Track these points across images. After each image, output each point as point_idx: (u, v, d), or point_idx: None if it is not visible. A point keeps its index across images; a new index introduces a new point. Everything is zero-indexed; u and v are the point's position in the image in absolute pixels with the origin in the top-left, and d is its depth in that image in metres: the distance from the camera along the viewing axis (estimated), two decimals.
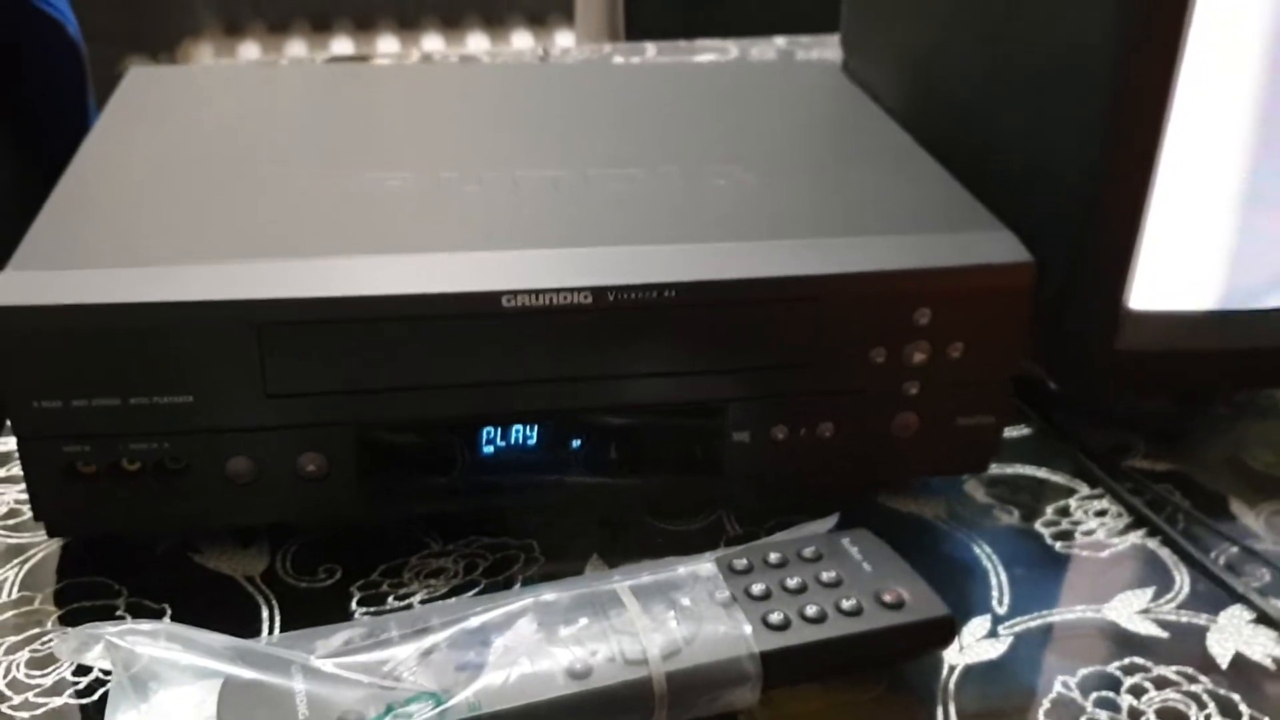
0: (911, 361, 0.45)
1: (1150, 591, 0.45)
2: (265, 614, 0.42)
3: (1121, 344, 0.50)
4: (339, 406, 0.43)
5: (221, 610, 0.42)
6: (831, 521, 0.44)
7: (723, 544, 0.46)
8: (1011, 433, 0.54)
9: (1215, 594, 0.45)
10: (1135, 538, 0.48)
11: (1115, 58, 0.45)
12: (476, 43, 1.87)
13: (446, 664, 0.36)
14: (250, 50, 1.82)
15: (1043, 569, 0.46)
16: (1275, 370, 0.52)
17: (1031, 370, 0.52)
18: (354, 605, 0.43)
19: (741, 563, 0.41)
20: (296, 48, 1.84)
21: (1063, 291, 0.49)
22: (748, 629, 0.38)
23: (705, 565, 0.40)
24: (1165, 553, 0.47)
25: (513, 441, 0.45)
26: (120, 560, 0.44)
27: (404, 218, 0.46)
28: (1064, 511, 0.49)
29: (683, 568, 0.40)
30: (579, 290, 0.42)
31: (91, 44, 1.88)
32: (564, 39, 1.84)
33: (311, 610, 0.42)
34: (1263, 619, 0.44)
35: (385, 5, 1.93)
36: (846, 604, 0.39)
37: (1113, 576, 0.46)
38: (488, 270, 0.42)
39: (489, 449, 0.45)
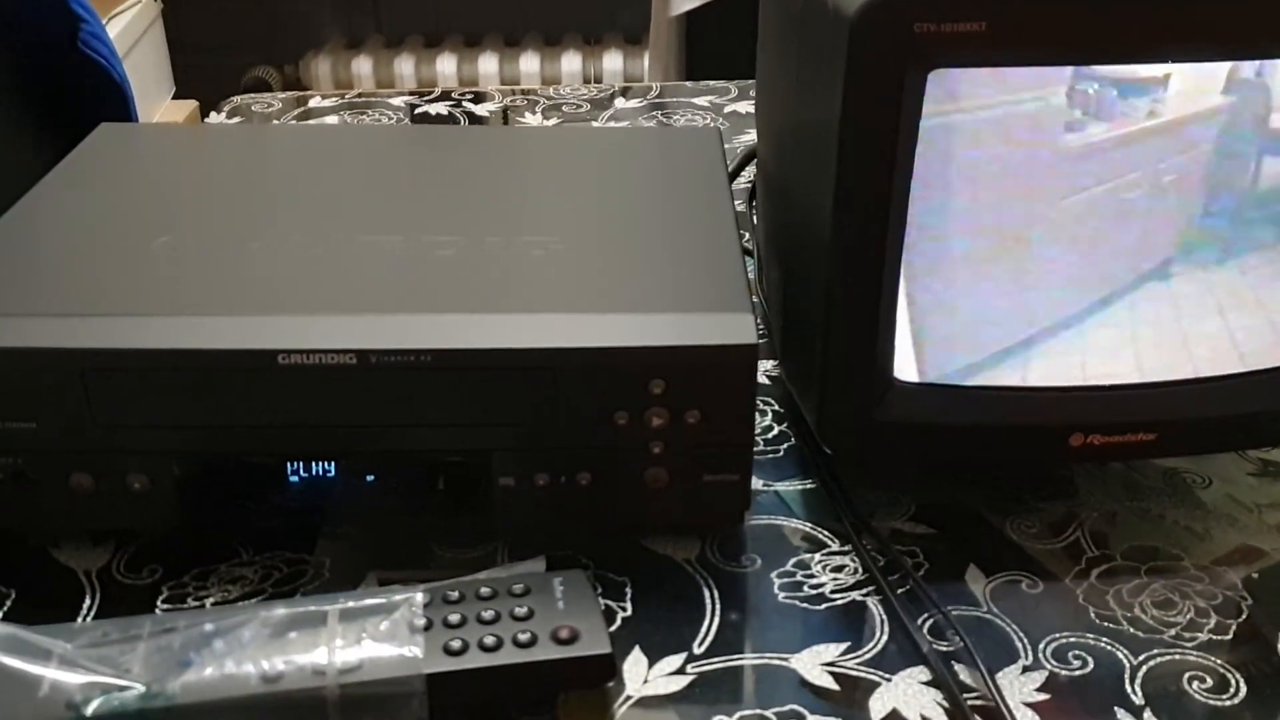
0: (652, 424, 0.51)
1: (844, 646, 0.50)
2: (87, 603, 0.52)
3: (880, 414, 0.55)
4: (156, 438, 0.52)
5: (56, 597, 0.52)
6: (541, 563, 0.50)
7: (486, 571, 0.53)
8: (798, 485, 0.59)
9: (906, 654, 0.49)
10: (858, 594, 0.52)
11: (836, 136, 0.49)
12: (570, 63, 1.96)
13: (168, 660, 0.44)
14: (364, 65, 1.96)
15: (758, 616, 0.51)
16: (1028, 447, 0.56)
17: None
18: (159, 603, 0.52)
19: (454, 594, 0.48)
20: (406, 64, 1.97)
21: (826, 361, 0.54)
22: (418, 652, 0.45)
23: (417, 595, 0.47)
24: (880, 611, 0.51)
25: (312, 473, 0.53)
26: None
27: (225, 280, 0.54)
28: (805, 564, 0.54)
29: (399, 595, 0.48)
30: (344, 351, 0.50)
31: (222, 54, 2.05)
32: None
33: (125, 604, 0.51)
34: (936, 681, 0.48)
35: (491, 25, 2.04)
36: (522, 636, 0.46)
37: (817, 629, 0.50)
38: (271, 330, 0.50)
39: (294, 479, 0.53)
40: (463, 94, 1.09)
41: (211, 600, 0.52)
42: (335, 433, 0.52)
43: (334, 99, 1.08)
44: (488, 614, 0.47)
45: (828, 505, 0.58)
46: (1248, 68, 0.49)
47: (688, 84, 1.12)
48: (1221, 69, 0.49)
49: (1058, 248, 0.52)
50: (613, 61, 1.94)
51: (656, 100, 1.08)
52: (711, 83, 1.11)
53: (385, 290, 0.54)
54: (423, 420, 0.52)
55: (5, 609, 0.51)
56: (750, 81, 1.10)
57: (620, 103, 1.07)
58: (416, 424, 0.52)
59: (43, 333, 0.50)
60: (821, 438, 0.56)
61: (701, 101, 1.07)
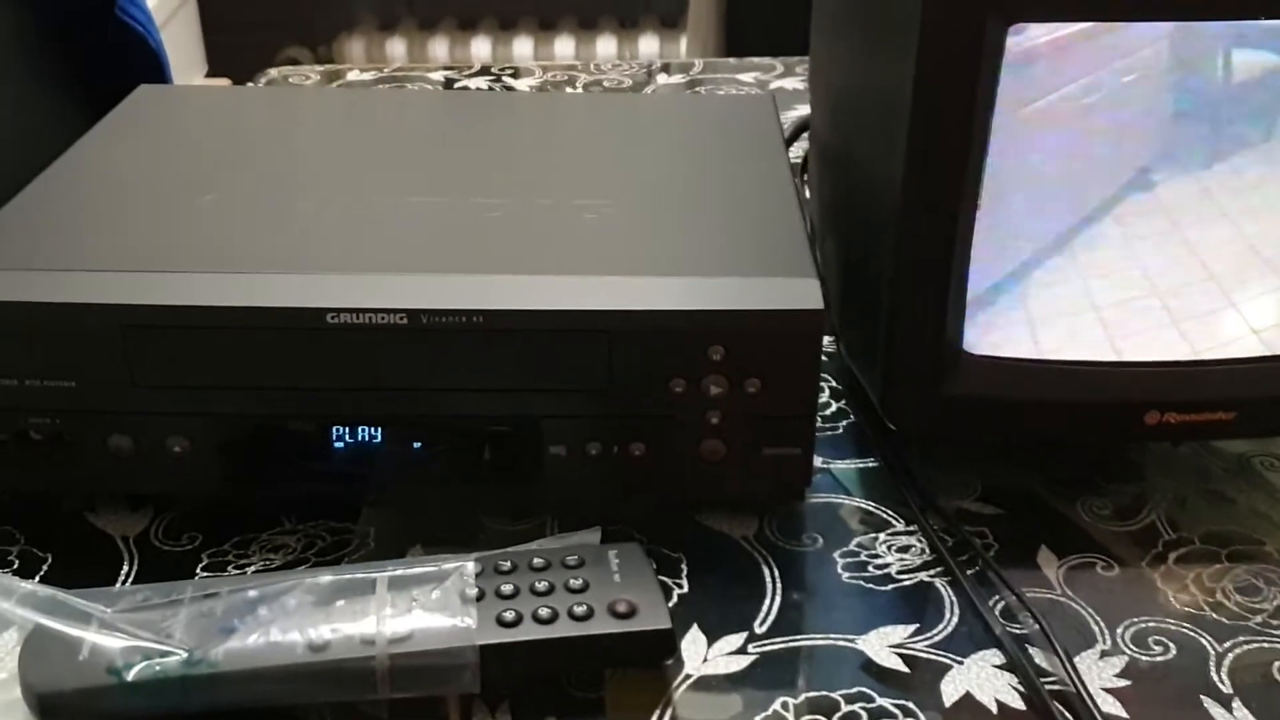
0: (710, 393, 0.49)
1: (912, 628, 0.47)
2: (125, 569, 0.50)
3: (948, 389, 0.52)
4: (197, 399, 0.50)
5: (93, 563, 0.50)
6: (596, 534, 0.48)
7: (535, 544, 0.51)
8: (856, 463, 0.57)
9: (978, 636, 0.47)
10: (925, 575, 0.50)
11: (911, 98, 0.47)
12: (606, 46, 1.94)
13: (210, 627, 0.43)
14: (397, 47, 1.95)
15: (821, 596, 0.49)
16: (1101, 425, 0.53)
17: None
18: (198, 570, 0.50)
19: (506, 564, 0.46)
20: (440, 47, 1.95)
21: (892, 331, 0.52)
22: (471, 623, 0.43)
23: (469, 563, 0.46)
24: (948, 593, 0.49)
25: (358, 439, 0.51)
26: (28, 515, 0.53)
27: (272, 238, 0.52)
28: (870, 544, 0.52)
29: (449, 564, 0.46)
30: (395, 311, 0.48)
31: (255, 32, 2.04)
32: (684, 44, 1.89)
33: (163, 571, 0.50)
34: (1010, 664, 0.46)
35: (525, 7, 2.02)
36: (579, 609, 0.44)
37: (883, 609, 0.48)
38: (319, 289, 0.48)
39: (338, 445, 0.51)
40: (501, 70, 1.07)
41: (253, 569, 0.50)
42: (382, 397, 0.50)
43: (372, 73, 1.06)
44: (541, 585, 0.45)
45: (887, 486, 0.55)
46: None
47: (730, 60, 1.10)
48: None
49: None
50: (648, 45, 1.92)
51: (699, 76, 1.06)
52: (755, 59, 1.09)
53: (434, 251, 0.52)
54: (472, 385, 0.50)
55: (42, 573, 0.50)
56: (796, 59, 1.08)
57: (662, 78, 1.05)
58: (466, 389, 0.50)
59: (83, 287, 0.48)
60: (886, 414, 0.54)
61: (746, 78, 1.05)
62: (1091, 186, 0.49)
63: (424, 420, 0.51)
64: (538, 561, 0.46)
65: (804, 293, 0.49)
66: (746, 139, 0.64)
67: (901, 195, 0.49)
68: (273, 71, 1.06)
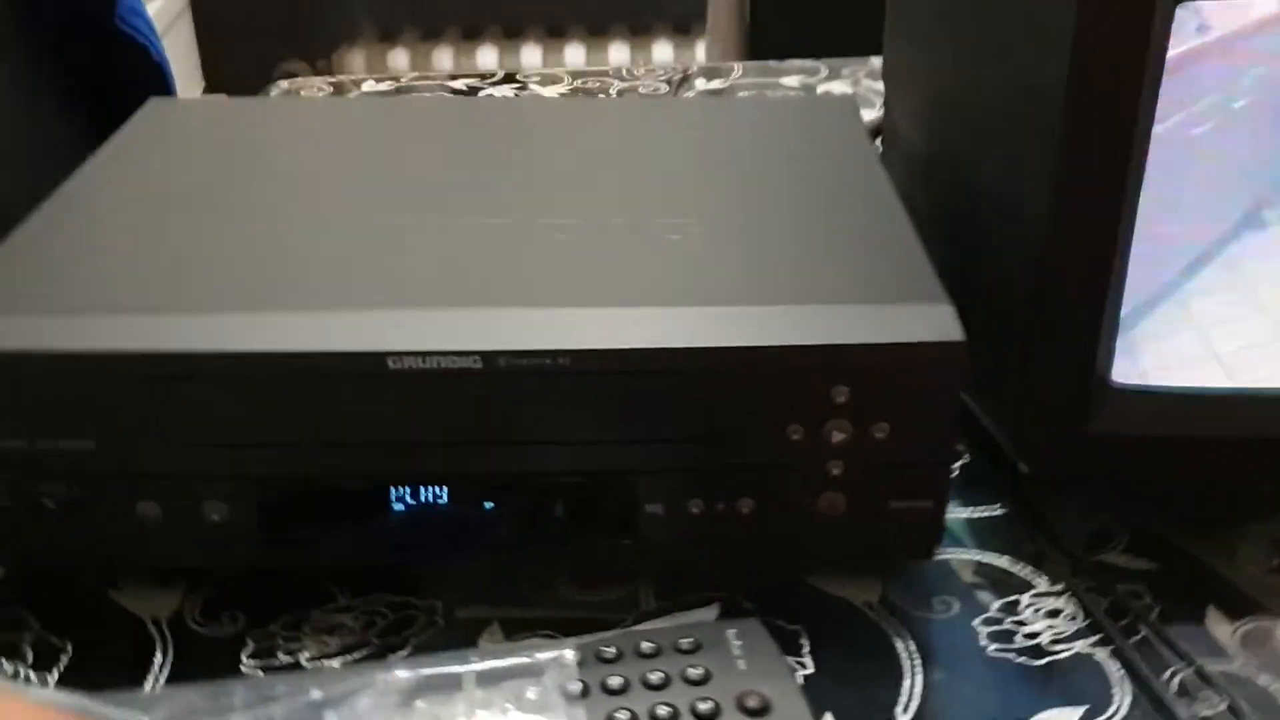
0: (832, 440, 0.43)
1: (1080, 711, 0.41)
2: (158, 659, 0.43)
3: (1097, 426, 0.46)
4: (237, 458, 0.43)
5: (120, 652, 0.43)
6: (713, 612, 0.42)
7: (630, 620, 0.44)
8: (981, 511, 0.50)
9: None
10: (1083, 645, 0.43)
11: (1064, 98, 0.41)
12: (618, 53, 1.87)
13: None
14: (399, 58, 1.88)
15: (968, 675, 0.42)
16: (1273, 463, 0.47)
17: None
18: (244, 657, 0.43)
19: (610, 651, 0.39)
20: (445, 57, 1.89)
21: (1031, 361, 0.46)
22: None
23: (568, 652, 0.39)
24: (1113, 666, 0.42)
25: (420, 501, 0.44)
26: (41, 592, 0.46)
27: (316, 270, 0.46)
28: (1011, 608, 0.45)
29: (544, 654, 0.39)
30: (468, 354, 0.41)
31: (253, 44, 1.97)
32: (701, 50, 1.83)
33: (202, 660, 0.43)
34: None
35: (533, 14, 1.96)
36: (703, 705, 0.37)
37: (1041, 689, 0.42)
38: (377, 328, 0.42)
39: (398, 506, 0.44)
40: (527, 76, 1.00)
41: (306, 655, 0.43)
42: (450, 451, 0.43)
43: (389, 83, 0.99)
44: (655, 676, 0.38)
45: (1006, 536, 0.49)
46: None
47: (770, 63, 1.03)
48: None
49: None
50: (662, 51, 1.86)
51: (739, 81, 0.99)
52: (797, 61, 1.02)
53: (501, 281, 0.45)
54: (555, 436, 0.43)
55: (61, 668, 0.43)
56: (841, 60, 1.01)
57: (701, 83, 0.99)
58: (548, 441, 0.43)
59: (101, 333, 0.42)
60: (1019, 454, 0.47)
61: (790, 81, 0.98)
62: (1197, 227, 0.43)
63: (497, 478, 0.44)
64: (647, 647, 0.39)
65: (940, 322, 0.42)
66: (833, 144, 0.57)
67: (1052, 208, 0.42)
68: (283, 84, 0.99)
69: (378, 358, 0.41)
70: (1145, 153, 0.41)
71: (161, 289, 0.44)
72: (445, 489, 0.44)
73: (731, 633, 0.40)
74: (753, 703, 0.37)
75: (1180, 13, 0.39)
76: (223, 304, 0.43)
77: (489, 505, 0.44)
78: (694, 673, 0.38)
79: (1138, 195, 0.42)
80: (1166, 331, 0.44)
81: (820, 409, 0.42)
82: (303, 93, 0.98)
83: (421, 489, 0.44)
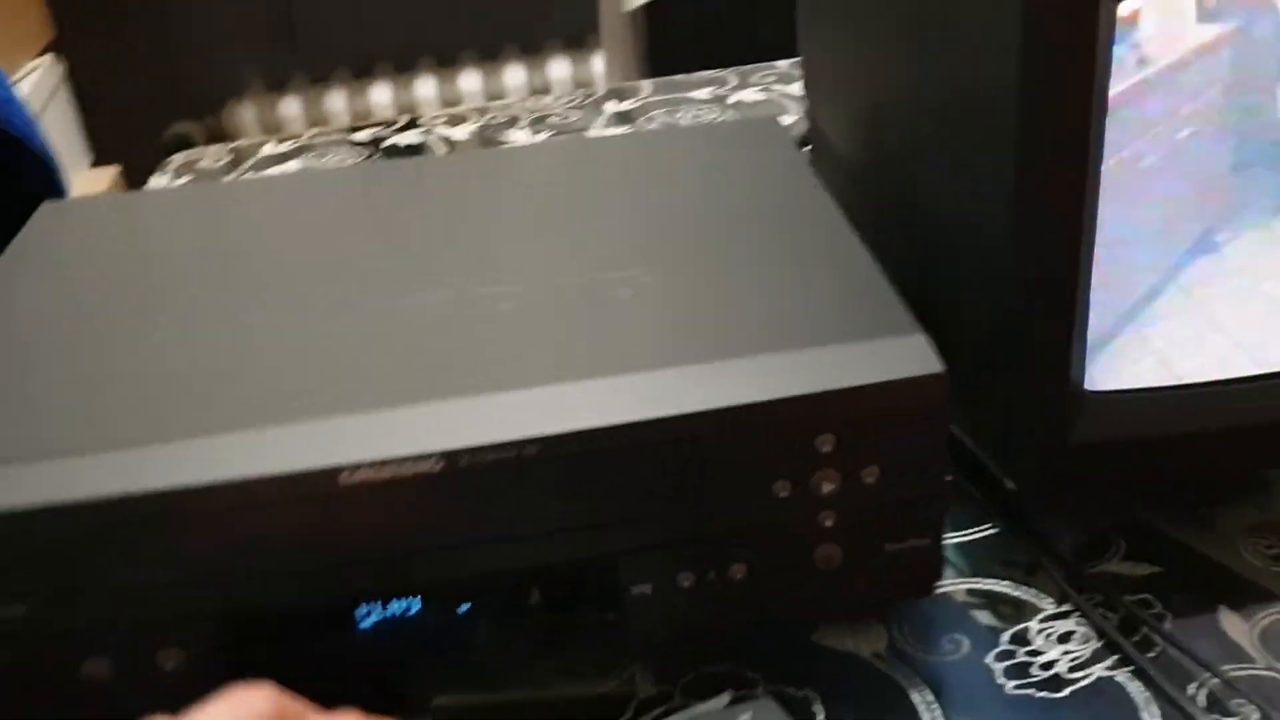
0: (822, 492, 0.40)
1: None
2: None
3: (1078, 435, 0.44)
4: (188, 599, 0.39)
5: None
6: (724, 700, 0.39)
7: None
8: (973, 534, 0.48)
9: None
10: (1102, 669, 0.42)
11: (1019, 104, 0.39)
12: (514, 76, 1.84)
13: None
14: (291, 107, 1.83)
15: (990, 717, 0.40)
16: (1263, 447, 0.46)
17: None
18: None
19: None
20: (338, 99, 1.84)
21: (1006, 376, 0.44)
22: None
23: None
24: (1136, 686, 0.41)
25: (390, 614, 0.41)
26: None
27: (245, 382, 0.42)
28: (1022, 637, 0.43)
29: None
30: (426, 457, 0.38)
31: (139, 108, 1.91)
32: (599, 64, 1.80)
33: None
34: None
35: (423, 46, 1.92)
36: None
37: None
38: (324, 441, 0.38)
39: (367, 623, 0.41)
40: (433, 120, 0.97)
41: None
42: (418, 560, 0.40)
43: (290, 143, 0.95)
44: None
45: (1006, 556, 0.47)
46: None
47: (679, 77, 1.01)
48: None
49: None
50: (559, 69, 1.83)
51: (650, 99, 0.97)
52: (705, 73, 1.00)
53: (451, 367, 0.42)
54: (529, 530, 0.40)
55: None
56: (752, 67, 1.00)
57: (612, 106, 0.96)
58: (522, 536, 0.40)
59: (20, 484, 0.38)
60: (1006, 472, 0.46)
61: (702, 94, 0.96)
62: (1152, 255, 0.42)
63: (471, 580, 0.41)
64: None
65: (917, 354, 0.40)
66: (771, 171, 0.55)
67: (1013, 217, 0.41)
68: (176, 158, 0.94)
69: (328, 475, 0.38)
70: (1100, 157, 0.40)
71: (76, 425, 0.41)
72: (416, 598, 0.41)
73: (746, 718, 0.37)
74: None
75: (1120, 50, 0.38)
76: (148, 435, 0.39)
77: (464, 608, 0.42)
78: None
79: (1095, 210, 0.40)
80: (1127, 361, 0.43)
81: (806, 461, 0.40)
82: (200, 164, 0.93)
83: (391, 602, 0.41)
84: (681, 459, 0.39)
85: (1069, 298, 0.42)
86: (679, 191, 0.54)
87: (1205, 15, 0.38)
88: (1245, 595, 0.44)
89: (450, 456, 0.38)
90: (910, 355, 0.40)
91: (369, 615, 0.41)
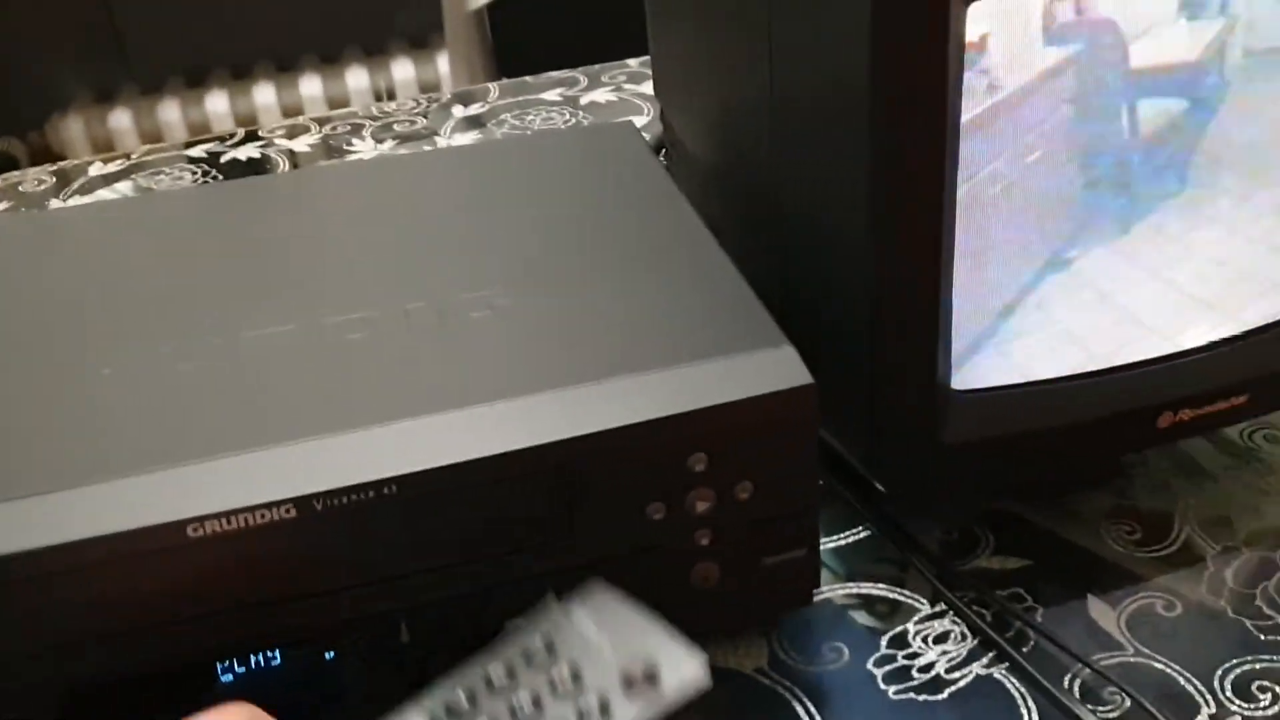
0: (696, 511, 0.40)
1: None
2: None
3: (946, 435, 0.44)
4: (29, 667, 0.37)
5: None
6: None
7: None
8: (846, 538, 0.48)
9: None
10: (979, 667, 0.42)
11: (870, 106, 0.39)
12: (356, 79, 1.79)
13: None
14: (121, 119, 1.75)
15: None
16: (1120, 435, 0.47)
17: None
18: None
19: (458, 698, 0.34)
20: (171, 110, 1.76)
21: (872, 379, 0.44)
22: None
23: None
24: (1013, 683, 0.41)
25: (252, 667, 0.39)
26: None
27: (80, 432, 0.39)
28: (901, 641, 0.43)
29: None
30: (278, 504, 0.36)
31: None
32: (444, 65, 1.77)
33: None
34: None
35: (260, 51, 1.85)
36: (589, 702, 0.33)
37: None
38: (168, 492, 0.36)
39: (227, 678, 0.39)
40: (271, 132, 0.93)
41: None
42: (277, 611, 0.38)
43: (118, 162, 0.90)
44: (523, 700, 0.33)
45: (878, 558, 0.47)
46: (1067, 10, 0.39)
47: (528, 79, 0.99)
48: (1035, 21, 0.39)
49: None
50: (402, 70, 1.78)
51: (498, 103, 0.95)
52: (555, 73, 0.99)
53: (300, 405, 0.40)
54: (395, 571, 0.38)
55: None
56: (601, 66, 0.98)
57: (459, 110, 0.94)
58: (387, 578, 0.38)
59: None
60: (875, 475, 0.46)
61: (552, 96, 0.95)
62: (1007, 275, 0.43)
63: (335, 627, 0.39)
64: (497, 675, 0.34)
65: (785, 367, 0.40)
66: (626, 179, 0.54)
67: (871, 226, 0.41)
68: None
69: (174, 528, 0.35)
70: (955, 158, 0.40)
71: None
72: (276, 650, 0.39)
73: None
74: (638, 672, 0.33)
75: (969, 76, 0.38)
76: None
77: (330, 655, 0.39)
78: (562, 675, 0.33)
79: (954, 195, 0.40)
80: (988, 373, 0.44)
81: (680, 481, 0.39)
82: (22, 186, 0.88)
83: (250, 656, 0.39)
84: (551, 488, 0.38)
85: (931, 303, 0.42)
86: (533, 203, 0.53)
87: (1051, 39, 0.39)
88: (1110, 581, 0.45)
89: (302, 503, 0.36)
90: (778, 368, 0.40)
91: (229, 670, 0.39)
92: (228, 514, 0.35)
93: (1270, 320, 0.46)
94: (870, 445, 0.45)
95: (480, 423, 0.38)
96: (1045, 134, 0.40)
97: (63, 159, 1.75)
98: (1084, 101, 0.40)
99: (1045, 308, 0.43)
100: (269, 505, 0.36)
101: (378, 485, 0.36)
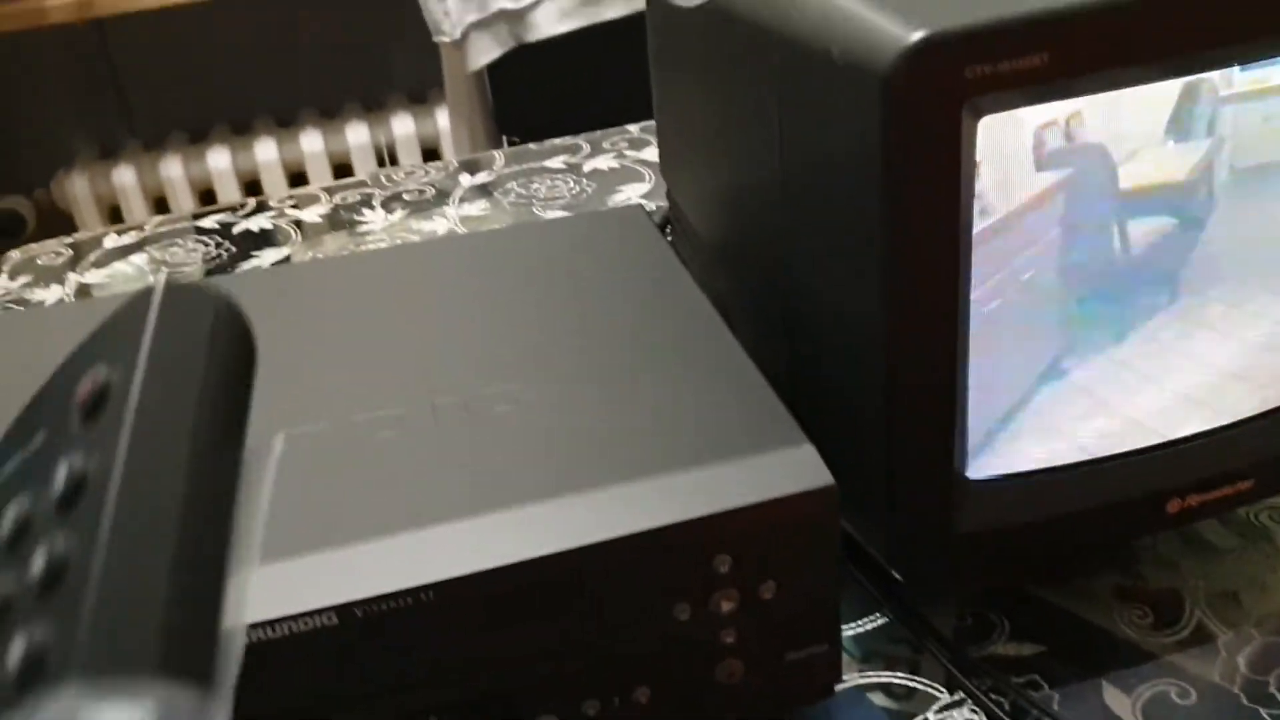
0: (721, 611, 0.41)
1: None
2: None
3: (962, 523, 0.46)
4: None
5: None
6: None
7: None
8: (864, 625, 0.49)
9: None
10: None
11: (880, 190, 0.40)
12: (356, 134, 1.81)
13: None
14: (125, 175, 1.76)
15: None
16: (1124, 526, 0.48)
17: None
18: None
19: None
20: (174, 166, 1.78)
21: (887, 469, 0.45)
22: None
23: None
24: None
25: None
26: None
27: None
28: None
29: None
30: (319, 612, 0.37)
31: None
32: (443, 119, 1.79)
33: None
34: None
35: (261, 106, 1.87)
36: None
37: None
38: None
39: None
40: (284, 200, 0.95)
41: None
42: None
43: (133, 234, 0.92)
44: None
45: (896, 645, 0.48)
46: (1057, 137, 0.41)
47: (532, 146, 1.01)
48: (1026, 147, 0.40)
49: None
50: (402, 125, 1.81)
51: (505, 171, 0.97)
52: (558, 140, 1.01)
53: (336, 507, 0.41)
54: (424, 674, 0.39)
55: None
56: (602, 133, 1.00)
57: (466, 179, 0.95)
58: (417, 684, 0.39)
59: None
60: (893, 563, 0.47)
61: (556, 164, 0.96)
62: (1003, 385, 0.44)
63: None
64: None
65: (805, 467, 0.41)
66: (640, 268, 0.55)
67: (884, 308, 0.42)
68: (13, 256, 0.90)
69: None
70: (969, 254, 0.41)
71: None
72: None
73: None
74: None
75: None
76: None
77: None
78: None
79: (969, 286, 0.42)
80: (997, 468, 0.45)
81: (705, 582, 0.40)
82: (40, 260, 0.89)
83: None
84: (580, 592, 0.39)
85: (949, 391, 0.43)
86: (550, 292, 0.54)
87: (1042, 164, 0.40)
88: (1125, 665, 0.46)
89: (345, 610, 0.37)
90: (800, 469, 0.41)
91: None
92: (275, 621, 0.36)
93: (1270, 408, 0.48)
94: (889, 536, 0.47)
95: (510, 528, 0.39)
96: (1038, 254, 0.41)
97: (69, 216, 1.77)
98: (1075, 222, 0.41)
99: (1044, 414, 0.44)
100: (312, 613, 0.37)
101: (414, 592, 0.37)
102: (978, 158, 0.39)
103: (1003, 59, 0.38)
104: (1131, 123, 0.40)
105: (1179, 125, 0.40)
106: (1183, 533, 0.52)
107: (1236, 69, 0.40)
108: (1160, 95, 0.40)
